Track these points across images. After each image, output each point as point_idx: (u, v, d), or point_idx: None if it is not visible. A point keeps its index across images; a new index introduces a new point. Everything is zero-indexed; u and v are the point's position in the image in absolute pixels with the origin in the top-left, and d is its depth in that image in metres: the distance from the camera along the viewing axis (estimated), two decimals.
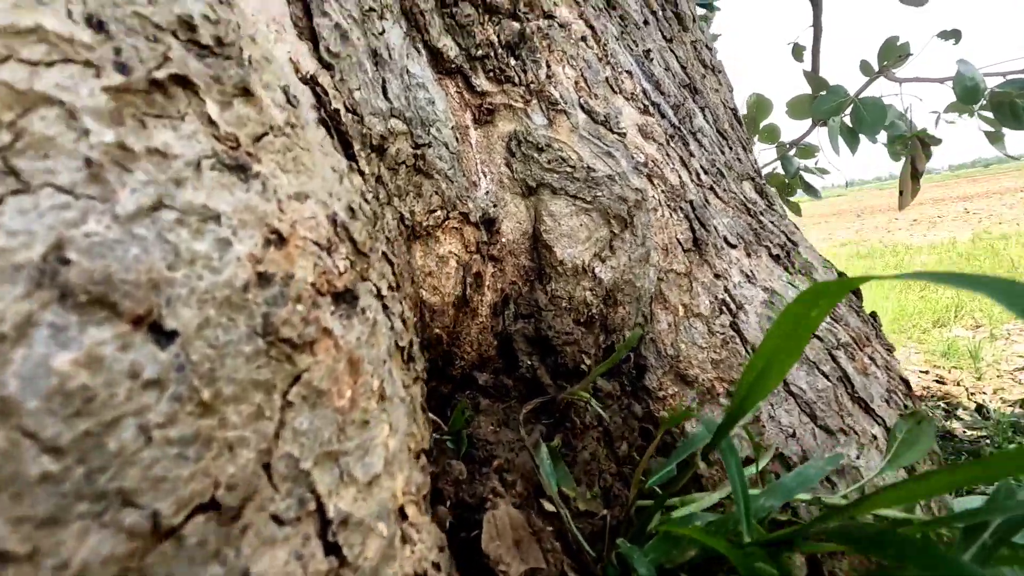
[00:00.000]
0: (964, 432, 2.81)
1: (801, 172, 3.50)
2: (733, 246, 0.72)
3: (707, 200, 0.73)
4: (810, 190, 3.57)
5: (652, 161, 0.67)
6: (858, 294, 0.95)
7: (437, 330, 0.51)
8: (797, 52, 3.69)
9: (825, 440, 0.63)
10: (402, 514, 0.29)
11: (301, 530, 0.22)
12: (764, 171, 3.59)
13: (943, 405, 3.13)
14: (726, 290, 0.67)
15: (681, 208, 0.67)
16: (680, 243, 0.65)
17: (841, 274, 0.98)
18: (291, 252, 0.27)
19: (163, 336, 0.20)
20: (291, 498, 0.22)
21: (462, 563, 0.42)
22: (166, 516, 0.18)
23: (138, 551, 0.17)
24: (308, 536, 0.22)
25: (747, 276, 0.71)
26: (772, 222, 0.86)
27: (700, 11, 3.04)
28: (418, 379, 0.38)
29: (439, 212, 0.50)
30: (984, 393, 3.27)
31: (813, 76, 3.45)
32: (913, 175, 2.91)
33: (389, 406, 0.31)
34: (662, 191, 0.66)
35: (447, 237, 0.51)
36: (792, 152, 3.65)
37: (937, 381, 3.47)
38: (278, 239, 0.27)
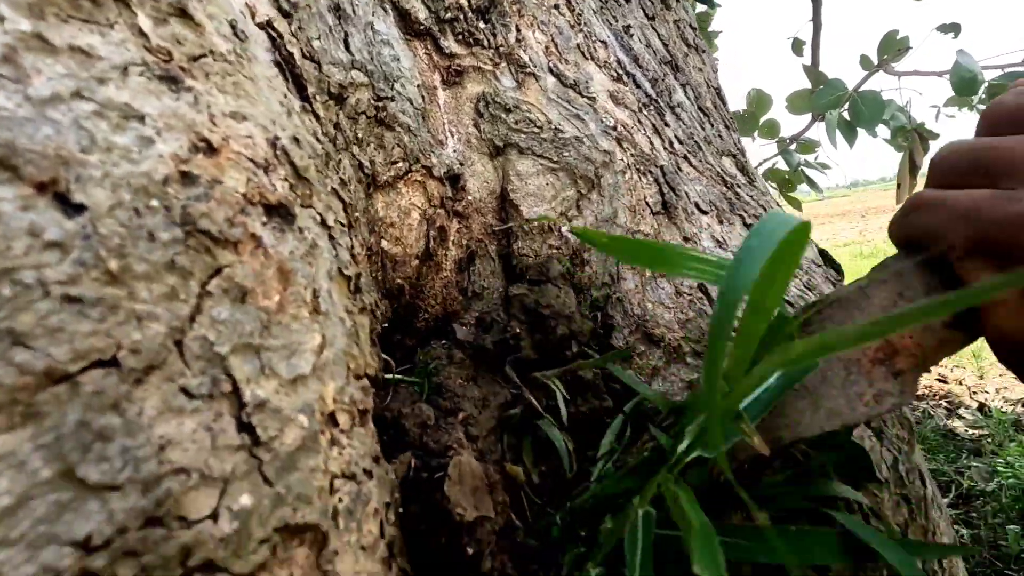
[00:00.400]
0: (966, 431, 2.80)
1: (802, 167, 3.49)
2: (704, 212, 0.73)
3: (679, 167, 0.74)
4: (812, 184, 3.57)
5: (622, 126, 0.68)
6: (838, 270, 0.96)
7: (399, 280, 0.52)
8: (797, 47, 3.68)
9: None
10: (332, 420, 0.30)
11: (214, 407, 0.23)
12: (764, 166, 3.57)
13: (945, 404, 3.11)
14: None
15: (651, 172, 0.68)
16: (649, 205, 0.66)
17: (830, 259, 0.99)
18: (221, 162, 0.28)
19: (70, 207, 0.21)
20: (204, 376, 0.23)
21: (418, 503, 0.43)
22: (61, 362, 0.18)
23: (29, 385, 0.18)
24: (221, 413, 0.23)
25: (718, 242, 0.71)
26: (751, 196, 0.87)
27: (701, 8, 3.04)
28: (365, 310, 0.39)
29: (401, 164, 0.51)
30: (986, 392, 3.25)
31: (813, 70, 3.44)
32: (911, 169, 2.90)
33: (324, 320, 0.32)
34: (631, 155, 0.67)
35: (409, 190, 0.52)
36: (792, 147, 3.64)
37: (939, 380, 3.46)
38: (207, 148, 0.28)
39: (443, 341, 0.57)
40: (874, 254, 7.15)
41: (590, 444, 0.57)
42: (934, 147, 2.85)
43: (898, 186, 2.85)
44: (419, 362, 0.53)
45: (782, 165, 3.45)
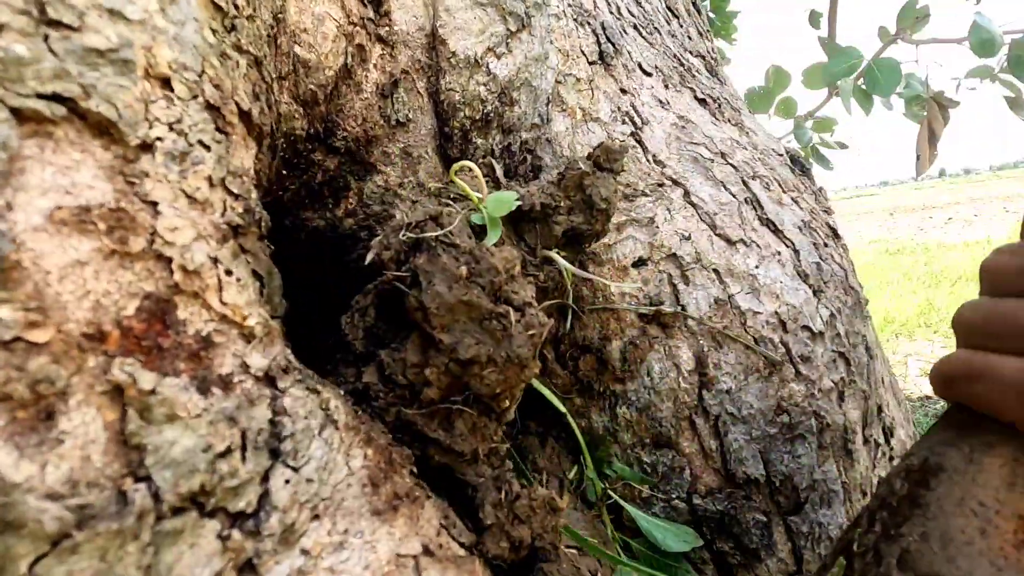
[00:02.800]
0: None
1: (816, 145, 3.41)
2: (648, 74, 0.72)
3: (625, 31, 0.73)
4: (823, 162, 3.49)
5: None
6: (806, 172, 0.93)
7: (312, 86, 0.53)
8: (814, 19, 3.61)
9: (723, 247, 0.63)
10: (167, 83, 0.31)
11: None
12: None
13: None
14: (632, 105, 0.67)
15: (590, 24, 0.67)
16: (584, 53, 0.66)
17: (797, 160, 0.96)
18: None
19: None
20: None
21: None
22: None
23: None
24: None
25: (660, 102, 0.71)
26: (713, 86, 0.86)
27: None
28: (243, 52, 0.40)
29: None
30: None
31: (829, 42, 3.37)
32: (930, 139, 2.82)
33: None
34: (568, 4, 0.66)
35: None
36: (808, 124, 3.56)
37: None
38: None
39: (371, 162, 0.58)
40: (900, 251, 6.97)
41: None
42: (954, 116, 2.76)
43: (917, 157, 2.77)
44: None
45: (796, 145, 3.38)
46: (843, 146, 3.44)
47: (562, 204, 0.52)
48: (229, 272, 0.31)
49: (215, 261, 0.30)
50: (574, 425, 0.56)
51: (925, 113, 2.83)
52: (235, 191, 0.34)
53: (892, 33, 2.90)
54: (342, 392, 0.38)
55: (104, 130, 0.26)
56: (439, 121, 0.62)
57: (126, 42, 0.29)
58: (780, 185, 0.73)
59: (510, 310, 0.38)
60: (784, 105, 3.57)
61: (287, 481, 0.28)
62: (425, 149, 0.61)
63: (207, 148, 0.32)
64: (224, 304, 0.30)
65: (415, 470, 0.38)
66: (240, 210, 0.34)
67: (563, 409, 0.55)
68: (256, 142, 0.42)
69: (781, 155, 0.84)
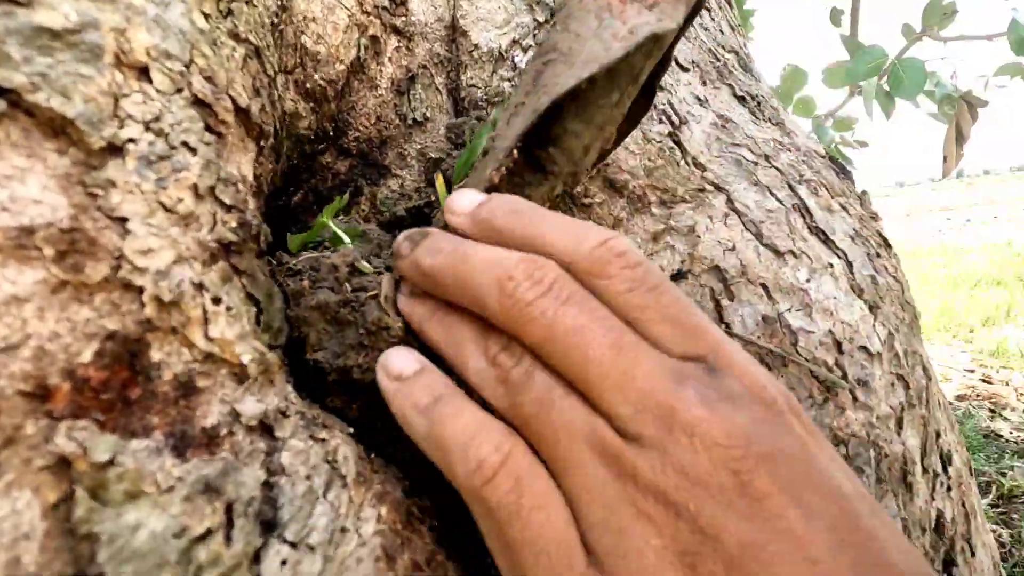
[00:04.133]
0: (1011, 433, 2.61)
1: (837, 144, 3.33)
2: (685, 69, 0.66)
3: None
4: (845, 161, 3.40)
5: None
6: (864, 195, 0.87)
7: (321, 81, 0.48)
8: (835, 17, 3.52)
9: (770, 259, 0.57)
10: (144, 74, 0.25)
11: None
12: None
13: (989, 405, 2.92)
14: (668, 103, 0.61)
15: None
16: None
17: (843, 167, 0.90)
18: None
19: None
20: None
21: None
22: None
23: None
24: None
25: (698, 99, 0.65)
26: (750, 83, 0.80)
27: None
28: (241, 41, 0.35)
29: None
30: None
31: (851, 41, 3.29)
32: (958, 139, 2.73)
33: None
34: None
35: None
36: (828, 124, 3.48)
37: (983, 380, 3.24)
38: None
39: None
40: (915, 253, 6.84)
41: None
42: (983, 116, 2.68)
43: (944, 158, 2.69)
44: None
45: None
46: (863, 144, 3.36)
47: None
48: (218, 300, 0.26)
49: (200, 288, 0.25)
50: None
51: (953, 112, 2.74)
52: (228, 202, 0.29)
53: (917, 32, 2.82)
54: (351, 432, 0.33)
55: (59, 130, 0.21)
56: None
57: (91, 22, 0.23)
58: (828, 190, 0.67)
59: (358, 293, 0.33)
60: (803, 104, 3.49)
61: (283, 562, 0.23)
62: (444, 151, 0.56)
63: (193, 151, 0.27)
64: (210, 340, 0.25)
65: (435, 523, 0.33)
66: (234, 224, 0.29)
67: None
68: (256, 144, 0.37)
69: (823, 157, 0.78)
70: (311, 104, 0.48)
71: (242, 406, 0.25)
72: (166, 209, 0.24)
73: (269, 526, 0.23)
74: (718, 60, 0.75)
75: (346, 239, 0.41)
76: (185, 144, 0.26)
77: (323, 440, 0.28)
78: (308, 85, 0.47)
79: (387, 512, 0.29)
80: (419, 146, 0.55)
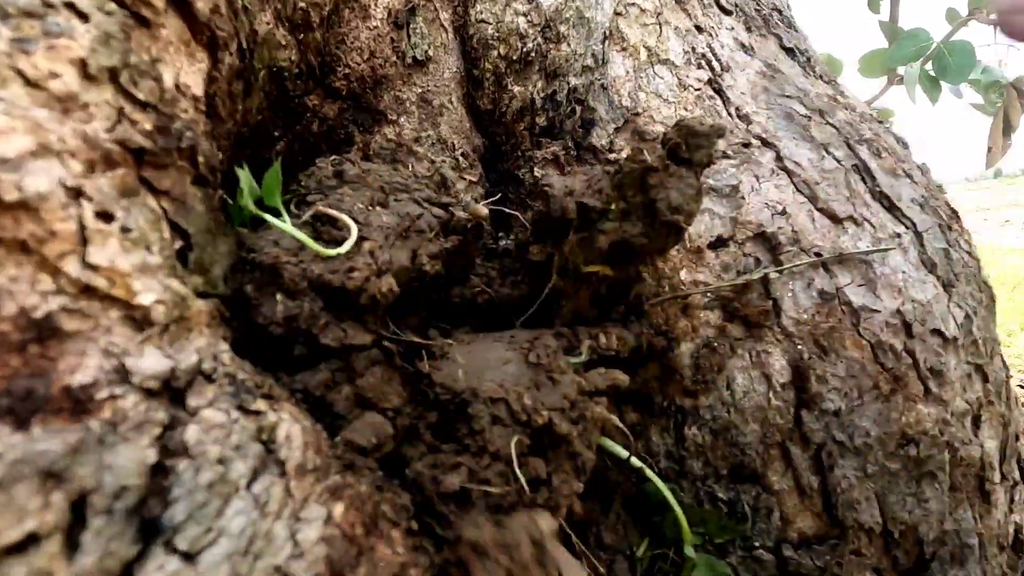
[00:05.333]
0: None
1: None
2: (727, 12, 0.58)
3: None
4: None
5: None
6: (924, 167, 0.78)
7: (303, 5, 0.41)
8: (874, 3, 3.37)
9: (827, 226, 0.49)
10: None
11: None
12: None
13: None
14: (709, 46, 0.53)
15: None
16: None
17: (898, 136, 0.81)
18: None
19: None
20: None
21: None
22: None
23: None
24: None
25: (742, 46, 0.57)
26: (796, 37, 0.71)
27: None
28: None
29: None
30: None
31: (891, 26, 3.14)
32: (1005, 129, 2.58)
33: None
34: None
35: None
36: None
37: (1021, 386, 3.08)
38: None
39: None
40: None
41: None
42: None
43: (989, 149, 2.54)
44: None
45: None
46: (899, 140, 3.20)
47: (613, 207, 0.38)
48: (108, 216, 0.19)
49: (77, 195, 0.18)
50: (670, 497, 0.43)
51: (1000, 102, 2.59)
52: (142, 98, 0.22)
53: (962, 15, 2.67)
54: (307, 407, 0.26)
55: None
56: (467, 62, 0.49)
57: None
58: (890, 153, 0.58)
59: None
60: None
61: None
62: (448, 97, 0.49)
63: (84, 18, 0.20)
64: (91, 267, 0.18)
65: (414, 526, 0.26)
66: (149, 127, 0.22)
67: (662, 488, 0.42)
68: (209, 55, 0.30)
69: (880, 121, 0.69)
70: (292, 33, 0.41)
71: (136, 360, 0.18)
72: (28, 82, 0.17)
73: (151, 528, 0.16)
74: (761, 9, 0.67)
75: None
76: (70, 6, 0.20)
77: (257, 413, 0.21)
78: (287, 9, 0.40)
79: (343, 511, 0.22)
80: (420, 90, 0.48)
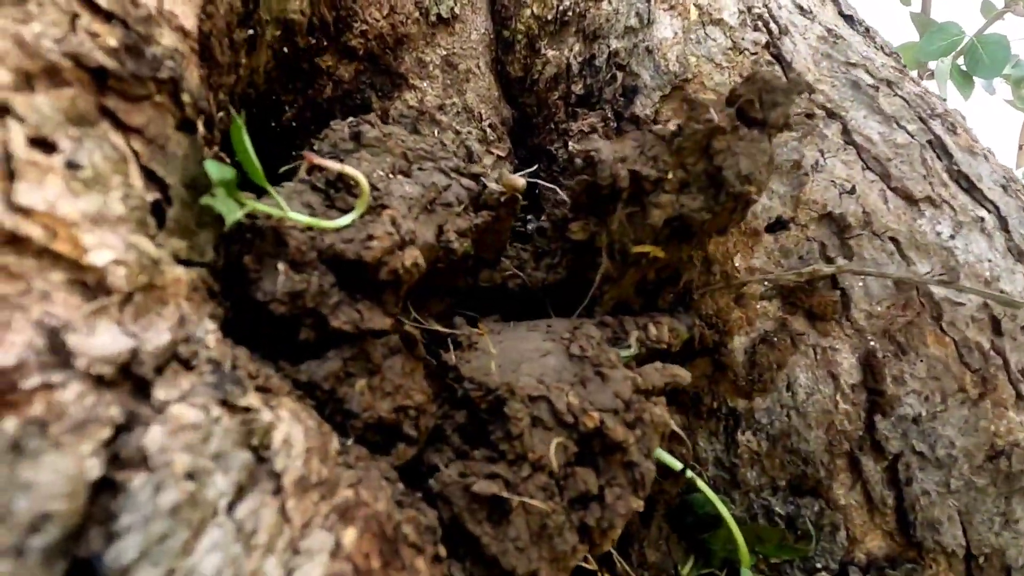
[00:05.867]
0: None
1: None
2: None
3: None
4: None
5: None
6: (990, 152, 0.72)
7: None
8: None
9: (901, 207, 0.43)
10: None
11: None
12: None
13: None
14: (766, 6, 0.48)
15: None
16: None
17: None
18: None
19: None
20: None
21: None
22: None
23: None
24: None
25: (800, 9, 0.51)
26: (853, 12, 0.65)
27: None
28: None
29: None
30: None
31: (923, 19, 3.05)
32: None
33: None
34: None
35: None
36: None
37: None
38: None
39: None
40: None
41: None
42: None
43: (1020, 147, 2.45)
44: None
45: None
46: None
47: (670, 176, 0.33)
48: (49, 147, 0.14)
49: (2, 112, 0.13)
50: (725, 513, 0.37)
51: None
52: (105, 6, 0.17)
53: (997, 8, 2.57)
54: (313, 404, 0.22)
55: None
56: (496, 22, 0.44)
57: None
58: (959, 126, 0.52)
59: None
60: None
61: None
62: (476, 61, 0.44)
63: None
64: (19, 210, 0.13)
65: (442, 552, 0.21)
66: (114, 43, 0.17)
67: (716, 502, 0.37)
68: None
69: (944, 99, 0.63)
70: None
71: (82, 338, 0.13)
72: None
73: (87, 574, 0.11)
74: None
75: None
76: None
77: (247, 410, 0.16)
78: None
79: (355, 538, 0.17)
80: (444, 52, 0.43)
